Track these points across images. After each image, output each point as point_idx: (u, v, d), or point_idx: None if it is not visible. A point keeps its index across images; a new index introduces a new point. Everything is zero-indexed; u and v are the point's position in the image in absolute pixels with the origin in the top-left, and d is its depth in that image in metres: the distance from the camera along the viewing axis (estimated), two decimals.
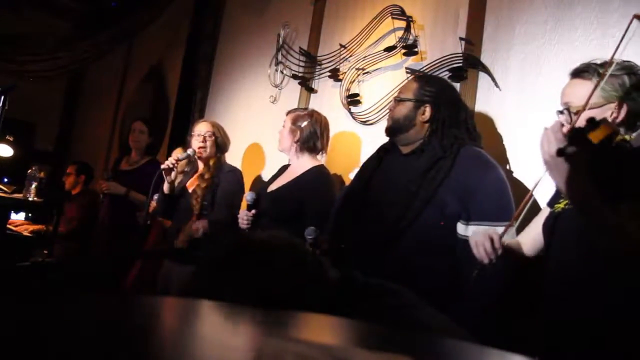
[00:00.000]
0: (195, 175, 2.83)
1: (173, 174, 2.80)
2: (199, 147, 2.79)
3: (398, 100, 2.02)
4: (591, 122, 1.19)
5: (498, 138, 2.23)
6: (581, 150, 1.18)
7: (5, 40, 5.29)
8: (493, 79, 2.30)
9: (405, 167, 1.97)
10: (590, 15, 2.02)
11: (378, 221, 1.91)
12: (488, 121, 2.29)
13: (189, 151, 2.83)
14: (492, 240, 1.48)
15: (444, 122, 1.93)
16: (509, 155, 2.17)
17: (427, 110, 1.95)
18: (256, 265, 0.96)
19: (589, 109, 1.35)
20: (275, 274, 0.95)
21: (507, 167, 2.15)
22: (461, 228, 1.83)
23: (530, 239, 1.65)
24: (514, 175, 2.12)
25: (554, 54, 2.11)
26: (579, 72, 1.46)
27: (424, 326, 0.98)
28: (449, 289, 1.78)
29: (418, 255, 1.82)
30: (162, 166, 2.76)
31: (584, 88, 1.41)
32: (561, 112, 1.48)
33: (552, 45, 2.11)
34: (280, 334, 0.60)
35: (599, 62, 1.44)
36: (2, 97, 2.41)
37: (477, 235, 1.53)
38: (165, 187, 2.82)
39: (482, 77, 2.36)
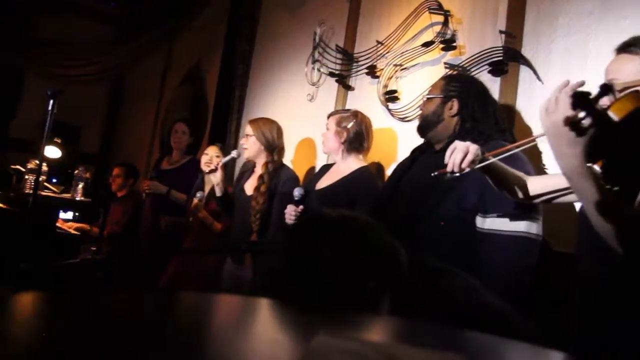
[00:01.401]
0: (252, 182, 2.82)
1: (218, 175, 2.85)
2: (243, 148, 2.85)
3: (427, 99, 2.07)
4: (605, 88, 1.08)
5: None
6: (599, 125, 1.08)
7: (50, 46, 5.48)
8: (535, 72, 2.24)
9: (434, 164, 1.97)
10: None
11: (399, 216, 1.94)
12: (531, 116, 2.24)
13: (233, 153, 2.92)
14: (465, 154, 1.45)
15: (472, 115, 1.95)
16: (551, 151, 2.10)
17: (455, 105, 1.97)
18: (334, 243, 0.95)
19: (633, 86, 1.23)
20: (352, 253, 0.94)
21: (542, 164, 2.10)
22: (479, 221, 1.82)
23: (542, 184, 1.58)
24: (548, 171, 2.07)
25: (600, 45, 2.04)
26: (626, 47, 1.35)
27: (494, 310, 0.96)
28: None
29: (437, 249, 1.81)
30: (206, 170, 2.84)
31: (631, 63, 1.32)
32: None
33: (598, 36, 2.04)
34: (331, 331, 0.61)
35: None
36: (51, 101, 2.50)
37: (460, 144, 1.49)
38: (217, 190, 2.89)
39: (524, 70, 2.31)
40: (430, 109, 2.02)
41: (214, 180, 2.87)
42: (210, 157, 3.22)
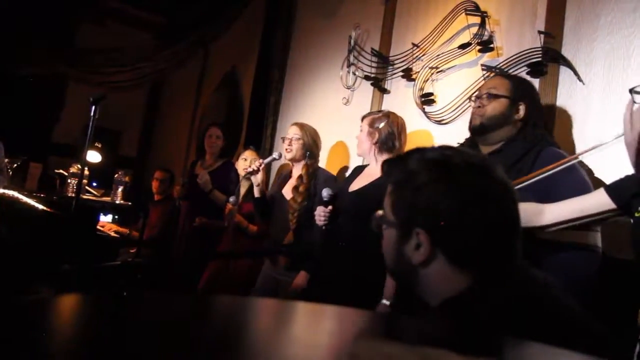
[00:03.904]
0: (290, 185, 2.87)
1: (259, 176, 2.91)
2: (286, 150, 2.89)
3: (493, 96, 1.95)
4: None
5: (582, 136, 2.12)
6: None
7: (92, 54, 5.63)
8: (576, 73, 2.19)
9: None
10: None
11: None
12: (571, 118, 2.18)
13: (275, 154, 2.99)
14: None
15: (534, 122, 1.91)
16: (595, 155, 2.03)
17: (522, 109, 1.92)
18: None
19: None
20: None
21: (589, 167, 2.03)
22: None
23: (557, 212, 1.59)
24: (597, 176, 2.01)
25: None
26: None
27: (578, 314, 0.92)
28: None
29: None
30: (248, 169, 2.90)
31: None
32: None
33: None
34: (372, 335, 0.61)
35: None
36: (93, 107, 2.56)
37: None
38: (255, 190, 2.95)
39: (564, 71, 2.26)
40: (499, 110, 1.93)
41: (255, 181, 2.93)
42: (250, 163, 3.26)
